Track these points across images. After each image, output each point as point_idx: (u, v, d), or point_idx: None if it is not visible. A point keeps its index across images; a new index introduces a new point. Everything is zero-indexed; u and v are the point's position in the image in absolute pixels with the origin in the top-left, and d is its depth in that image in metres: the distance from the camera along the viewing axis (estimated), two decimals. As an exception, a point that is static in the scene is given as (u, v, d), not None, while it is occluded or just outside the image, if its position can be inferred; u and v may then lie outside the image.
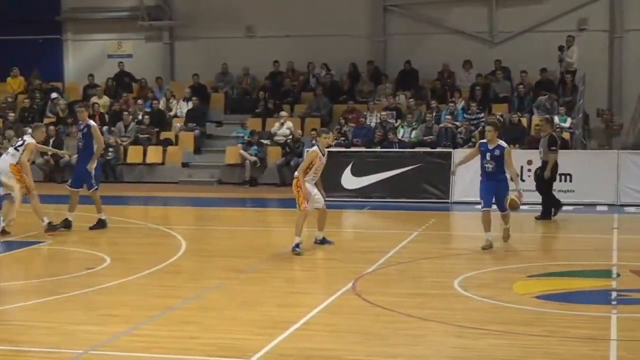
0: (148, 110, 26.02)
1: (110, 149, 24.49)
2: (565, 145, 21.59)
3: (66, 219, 15.25)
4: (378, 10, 26.98)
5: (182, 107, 26.41)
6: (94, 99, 26.65)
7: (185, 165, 24.91)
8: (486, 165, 13.53)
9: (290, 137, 23.99)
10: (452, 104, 23.78)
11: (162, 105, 26.45)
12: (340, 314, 9.66)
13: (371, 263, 12.44)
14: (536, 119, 23.06)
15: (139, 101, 26.27)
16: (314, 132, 23.30)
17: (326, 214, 13.78)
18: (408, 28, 26.80)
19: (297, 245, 13.02)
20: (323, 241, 13.83)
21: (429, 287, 11.13)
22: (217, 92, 27.23)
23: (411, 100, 24.37)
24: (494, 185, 13.50)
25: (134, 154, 24.98)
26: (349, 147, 22.66)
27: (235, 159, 24.11)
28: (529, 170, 19.41)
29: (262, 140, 24.30)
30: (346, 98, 25.62)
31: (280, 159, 23.74)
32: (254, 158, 23.85)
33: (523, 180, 19.86)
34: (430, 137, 22.74)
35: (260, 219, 19.34)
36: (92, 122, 15.52)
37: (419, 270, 12.31)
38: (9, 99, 27.13)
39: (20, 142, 14.88)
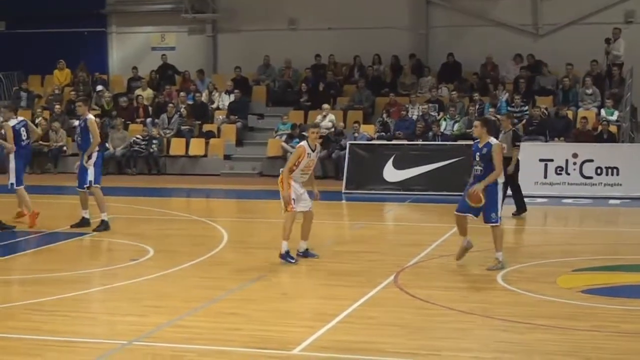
0: (190, 102, 26.16)
1: (154, 141, 24.67)
2: (613, 139, 21.33)
3: (102, 221, 14.63)
4: (420, 2, 26.83)
5: (224, 100, 26.50)
6: (137, 92, 26.86)
7: (227, 157, 25.00)
8: (475, 167, 11.52)
9: (332, 129, 23.96)
10: (497, 95, 23.56)
11: (204, 97, 26.56)
12: (382, 306, 9.62)
13: (413, 256, 12.37)
14: (582, 112, 22.82)
15: (182, 94, 26.40)
16: (356, 125, 23.30)
17: (312, 220, 12.20)
18: (451, 20, 26.62)
19: (288, 254, 11.85)
20: (306, 253, 12.26)
21: (472, 281, 11.04)
22: (259, 84, 27.27)
23: (454, 92, 24.22)
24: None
25: (176, 146, 25.13)
26: (390, 140, 22.58)
27: (276, 152, 24.13)
28: (574, 163, 19.17)
29: (303, 133, 24.27)
30: (388, 91, 25.53)
31: (322, 151, 23.70)
32: (295, 150, 23.84)
33: (568, 174, 19.66)
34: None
35: (302, 211, 19.31)
36: (90, 116, 14.56)
37: (461, 264, 12.20)
38: (56, 92, 27.42)
39: None
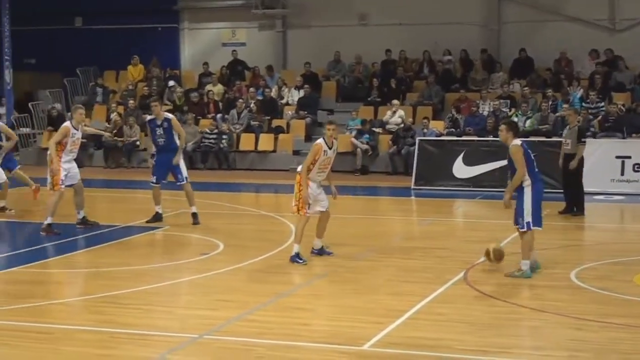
0: (260, 98, 26.30)
1: (224, 137, 24.88)
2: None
3: (156, 214, 14.93)
4: (493, -2, 26.59)
5: (293, 95, 26.59)
6: (208, 87, 27.11)
7: (296, 152, 25.04)
8: (508, 172, 11.38)
9: (402, 125, 23.86)
10: (568, 92, 23.18)
11: (274, 93, 26.69)
12: (452, 303, 9.56)
13: (483, 253, 12.23)
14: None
15: (252, 89, 26.58)
16: (425, 121, 23.17)
17: (328, 219, 12.08)
18: (523, 16, 26.27)
19: (298, 255, 11.63)
20: (321, 251, 12.15)
21: (543, 278, 10.87)
22: (329, 80, 27.29)
23: (526, 88, 23.91)
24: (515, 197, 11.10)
25: (246, 142, 25.30)
26: (460, 136, 22.40)
27: (346, 147, 24.09)
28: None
29: (373, 129, 24.25)
30: (458, 86, 25.32)
31: (392, 147, 23.64)
32: (365, 146, 23.82)
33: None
34: (546, 126, 22.25)
35: (371, 207, 19.29)
36: (170, 115, 15.09)
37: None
38: (130, 87, 27.84)
39: None
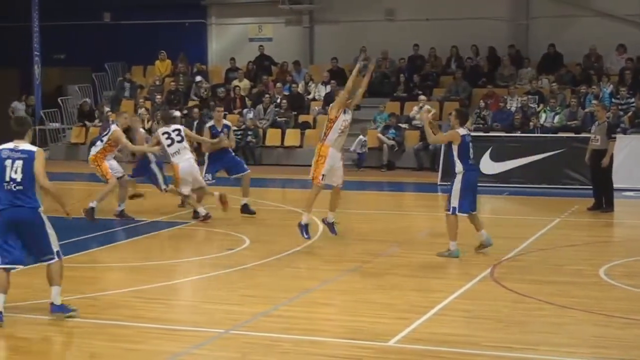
0: (287, 93, 26.32)
1: (249, 132, 24.91)
2: None
3: (244, 204, 15.47)
4: (521, -7, 26.40)
5: (320, 91, 26.59)
6: (235, 82, 27.16)
7: (323, 148, 25.03)
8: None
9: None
10: (595, 88, 23.00)
11: (300, 88, 26.71)
12: (478, 300, 9.53)
13: (510, 249, 12.20)
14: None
15: (278, 84, 26.60)
16: (451, 116, 23.02)
17: (339, 195, 12.74)
18: (552, 11, 26.04)
19: (305, 229, 12.17)
20: (330, 225, 12.70)
21: (571, 275, 10.82)
22: (356, 75, 27.22)
23: (554, 84, 23.74)
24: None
25: (272, 137, 25.33)
26: (488, 132, 22.29)
27: (373, 143, 24.09)
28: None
29: (400, 124, 24.19)
30: (486, 82, 25.21)
31: (418, 143, 23.58)
32: (391, 142, 23.78)
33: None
34: (575, 122, 22.11)
35: (397, 202, 19.28)
36: (229, 123, 16.12)
37: (561, 258, 11.97)
38: (157, 82, 27.95)
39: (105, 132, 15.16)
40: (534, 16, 26.39)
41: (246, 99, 26.69)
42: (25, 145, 8.58)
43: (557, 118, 22.45)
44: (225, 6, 29.80)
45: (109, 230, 14.14)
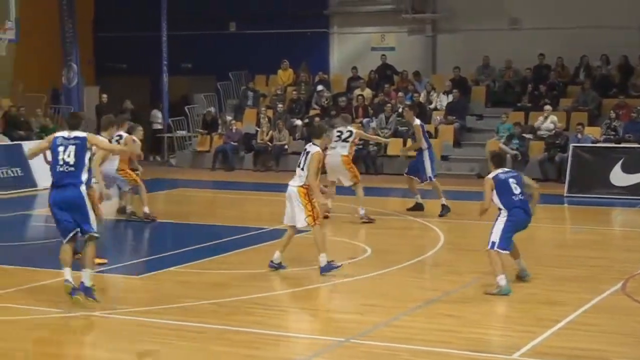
0: (408, 102, 26.13)
1: (371, 142, 24.81)
2: None
3: (444, 206, 16.68)
4: (656, 0, 25.47)
5: (442, 100, 26.31)
6: (356, 92, 27.15)
7: (444, 158, 24.75)
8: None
9: (554, 131, 23.20)
10: None
11: (422, 97, 26.49)
12: (608, 314, 9.21)
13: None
14: None
15: (400, 93, 26.46)
16: (579, 127, 22.43)
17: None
18: (688, 17, 25.04)
19: (330, 264, 11.18)
20: (279, 266, 11.58)
21: None
22: (478, 85, 26.86)
23: (689, 94, 22.79)
24: None
25: (394, 147, 25.16)
26: (619, 143, 21.58)
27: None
28: None
29: (524, 134, 23.67)
30: (617, 92, 24.41)
31: (543, 153, 23.01)
32: (514, 152, 23.29)
33: None
34: None
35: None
36: (417, 122, 16.45)
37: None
38: (279, 91, 28.23)
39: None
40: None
41: (369, 108, 26.65)
42: (77, 133, 9.64)
43: (691, 129, 21.54)
44: (347, 15, 29.85)
45: (231, 238, 14.27)
